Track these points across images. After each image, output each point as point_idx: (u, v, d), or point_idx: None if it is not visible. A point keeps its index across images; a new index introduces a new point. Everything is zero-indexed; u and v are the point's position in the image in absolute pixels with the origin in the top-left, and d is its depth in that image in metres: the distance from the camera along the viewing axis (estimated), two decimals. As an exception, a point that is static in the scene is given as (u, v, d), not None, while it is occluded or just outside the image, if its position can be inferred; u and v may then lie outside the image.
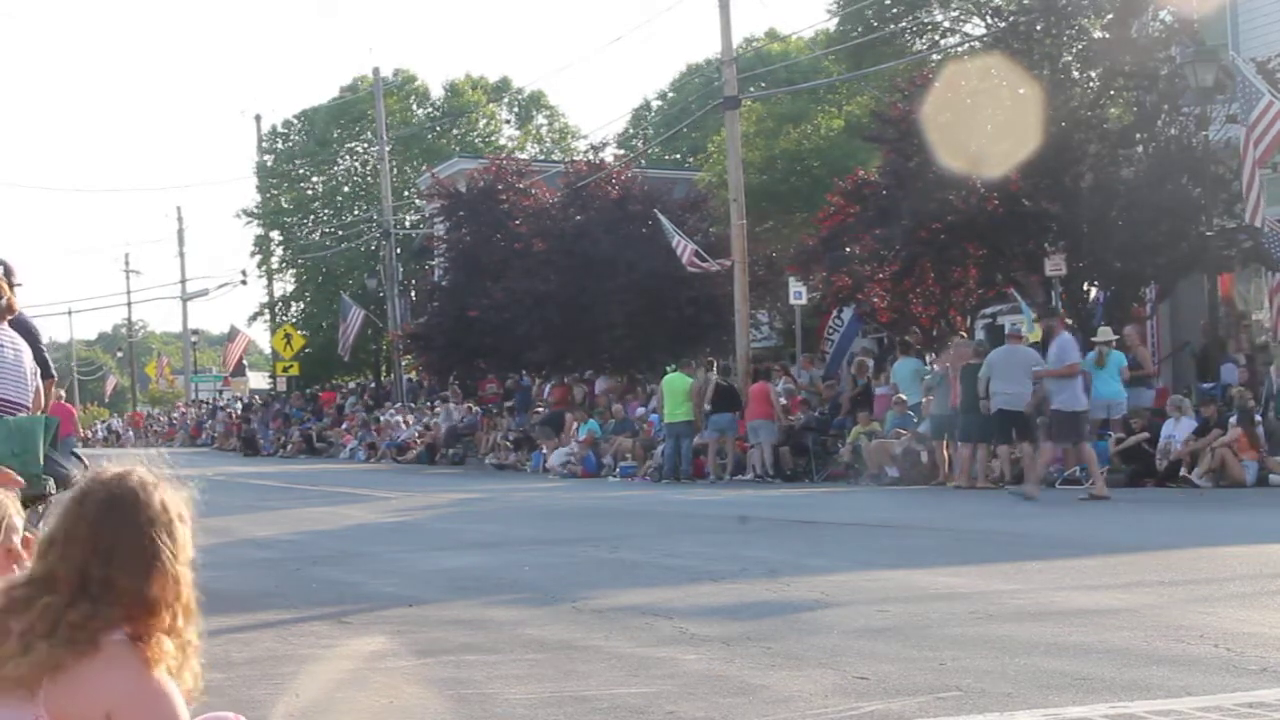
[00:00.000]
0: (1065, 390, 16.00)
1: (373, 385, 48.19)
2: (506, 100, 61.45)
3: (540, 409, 31.92)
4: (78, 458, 7.10)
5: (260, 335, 61.39)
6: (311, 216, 58.79)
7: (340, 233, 54.14)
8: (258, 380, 65.22)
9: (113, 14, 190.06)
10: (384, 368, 50.77)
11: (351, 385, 50.13)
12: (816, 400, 25.13)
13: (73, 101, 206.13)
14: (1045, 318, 18.48)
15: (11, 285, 6.55)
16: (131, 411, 72.43)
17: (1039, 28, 23.47)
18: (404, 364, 44.77)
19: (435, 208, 40.59)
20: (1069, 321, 20.38)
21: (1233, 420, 17.38)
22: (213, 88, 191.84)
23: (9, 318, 6.40)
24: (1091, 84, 23.92)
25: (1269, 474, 16.98)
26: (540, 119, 62.78)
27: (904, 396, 21.88)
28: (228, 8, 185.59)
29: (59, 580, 2.54)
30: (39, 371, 6.55)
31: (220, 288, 65.36)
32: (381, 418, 38.39)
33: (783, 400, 23.76)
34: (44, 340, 7.16)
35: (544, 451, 28.42)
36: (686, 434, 23.83)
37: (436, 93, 60.95)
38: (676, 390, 24.09)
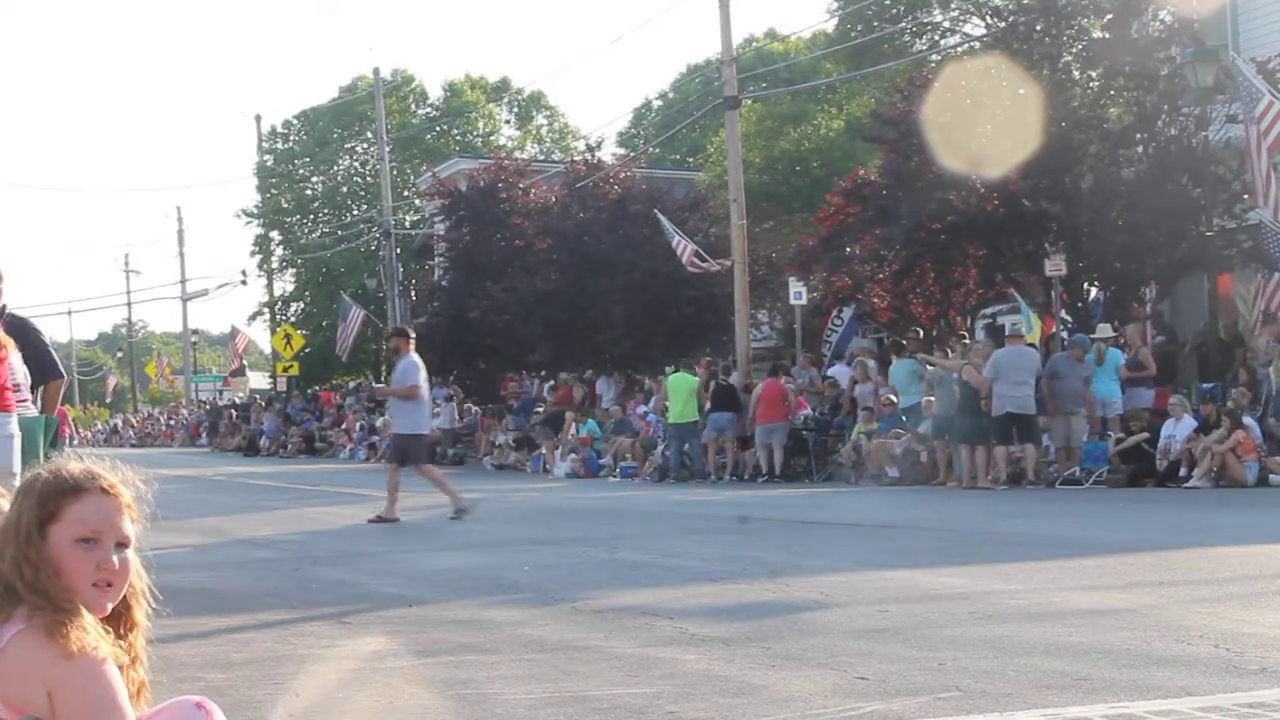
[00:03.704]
0: (406, 412, 15.09)
1: (373, 385, 48.11)
2: (506, 100, 61.41)
3: (540, 409, 31.89)
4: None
5: (260, 335, 61.40)
6: (311, 216, 58.78)
7: (340, 233, 54.11)
8: (258, 380, 65.17)
9: (113, 15, 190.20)
10: (384, 368, 50.71)
11: (351, 385, 50.10)
12: (816, 400, 25.14)
13: (73, 101, 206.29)
14: (393, 336, 15.78)
15: None
16: (136, 414, 72.36)
17: (1039, 28, 23.49)
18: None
19: (435, 207, 40.57)
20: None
21: (1226, 421, 17.31)
22: (213, 88, 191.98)
23: None
24: (1091, 84, 23.94)
25: (1269, 474, 16.97)
26: (540, 119, 62.76)
27: (893, 398, 21.89)
28: (228, 8, 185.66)
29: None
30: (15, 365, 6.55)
31: (220, 288, 65.48)
32: (382, 418, 38.35)
33: (797, 396, 23.74)
34: (46, 339, 7.17)
35: (543, 452, 28.39)
36: (691, 434, 23.79)
37: (436, 93, 60.98)
38: (683, 390, 24.01)
